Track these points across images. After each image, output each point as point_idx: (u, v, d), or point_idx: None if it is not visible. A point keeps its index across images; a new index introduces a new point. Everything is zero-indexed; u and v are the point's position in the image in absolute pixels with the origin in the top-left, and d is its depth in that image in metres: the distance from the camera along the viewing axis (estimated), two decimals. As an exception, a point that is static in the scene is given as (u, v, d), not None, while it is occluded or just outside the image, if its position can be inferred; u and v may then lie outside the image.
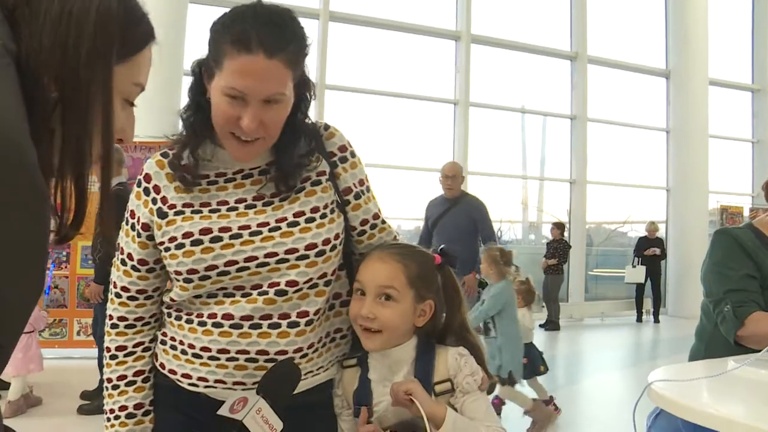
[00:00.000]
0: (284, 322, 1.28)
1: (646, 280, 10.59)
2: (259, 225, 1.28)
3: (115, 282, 1.38)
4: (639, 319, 10.70)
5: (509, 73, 11.09)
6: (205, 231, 1.27)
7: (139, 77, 0.87)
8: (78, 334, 6.16)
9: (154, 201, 1.33)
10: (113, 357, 1.37)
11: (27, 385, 4.57)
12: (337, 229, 1.33)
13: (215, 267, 1.25)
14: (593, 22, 11.31)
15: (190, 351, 1.31)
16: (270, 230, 1.28)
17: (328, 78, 9.50)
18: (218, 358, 1.28)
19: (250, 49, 1.16)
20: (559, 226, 9.99)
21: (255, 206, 1.31)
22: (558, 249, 9.66)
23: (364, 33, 10.11)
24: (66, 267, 6.15)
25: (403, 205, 10.87)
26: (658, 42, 12.12)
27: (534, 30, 11.06)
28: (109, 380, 1.37)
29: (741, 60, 13.00)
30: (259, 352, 1.27)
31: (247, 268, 1.26)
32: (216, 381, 1.29)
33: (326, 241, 1.30)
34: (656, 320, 10.65)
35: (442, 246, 1.43)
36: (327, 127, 1.41)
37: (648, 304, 10.83)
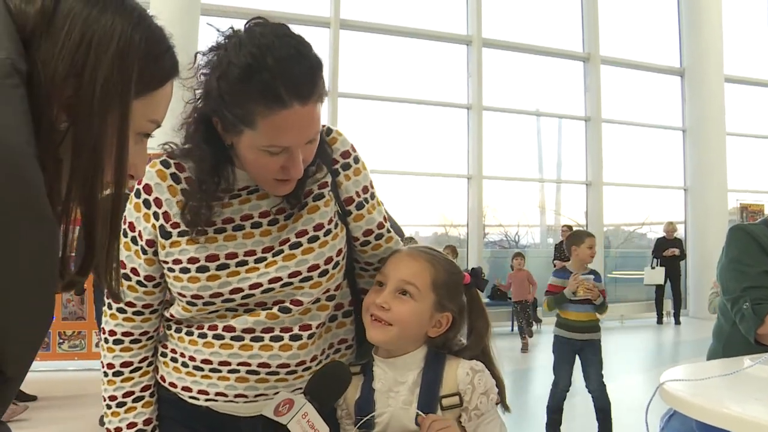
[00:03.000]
0: (286, 335, 1.25)
1: (665, 282, 10.45)
2: (263, 250, 1.24)
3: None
4: (659, 321, 10.55)
5: (522, 76, 11.06)
6: (211, 258, 1.22)
7: (155, 114, 0.82)
8: (97, 345, 6.20)
9: (156, 216, 1.25)
10: (118, 373, 1.31)
11: None
12: (340, 244, 1.29)
13: (220, 294, 1.22)
14: (605, 23, 11.24)
15: (191, 363, 1.28)
16: (274, 254, 1.24)
17: (340, 86, 9.52)
18: (220, 371, 1.25)
19: (284, 104, 1.08)
20: (569, 229, 9.89)
21: (261, 225, 1.25)
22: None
23: (375, 40, 10.14)
24: (84, 279, 6.19)
25: (420, 212, 10.87)
26: (671, 40, 12.02)
27: (545, 32, 11.02)
28: (113, 398, 1.31)
29: (757, 55, 12.84)
30: (260, 365, 1.24)
31: (252, 294, 1.23)
32: (217, 393, 1.26)
33: (328, 260, 1.26)
34: (677, 322, 10.50)
35: (474, 267, 1.38)
36: (329, 131, 1.32)
37: (668, 305, 10.69)
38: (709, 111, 11.48)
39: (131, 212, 1.27)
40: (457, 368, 1.26)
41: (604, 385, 4.19)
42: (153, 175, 1.26)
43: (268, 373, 1.24)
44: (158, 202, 1.25)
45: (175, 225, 1.24)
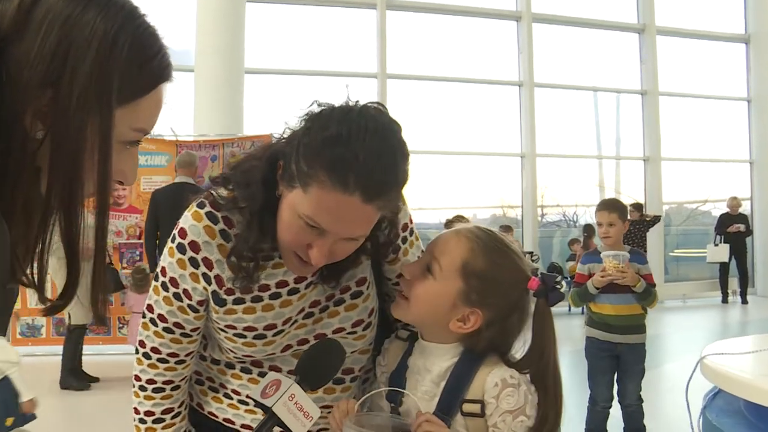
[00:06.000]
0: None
1: (730, 259, 10.04)
2: (311, 305, 1.21)
3: (157, 348, 1.22)
4: (725, 300, 10.16)
5: (577, 50, 10.73)
6: (269, 327, 1.18)
7: (140, 123, 0.76)
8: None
9: (207, 278, 1.16)
10: (159, 390, 1.24)
11: None
12: (376, 296, 1.27)
13: (273, 354, 1.22)
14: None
15: (235, 397, 1.26)
16: (320, 310, 1.22)
17: (389, 67, 9.45)
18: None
19: (346, 188, 0.98)
20: (637, 207, 9.55)
21: (312, 282, 1.20)
22: (637, 230, 9.22)
23: (422, 19, 10.00)
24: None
25: (478, 193, 10.73)
26: (735, 5, 11.43)
27: (598, 4, 10.65)
28: (150, 413, 1.24)
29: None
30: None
31: (299, 350, 1.23)
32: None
33: (371, 312, 1.25)
34: (744, 301, 10.07)
35: (545, 272, 1.17)
36: None
37: (734, 284, 10.27)
38: (776, 79, 10.90)
39: (174, 267, 1.16)
40: (488, 375, 1.10)
41: (642, 401, 3.39)
42: (201, 232, 1.14)
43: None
44: (208, 264, 1.15)
45: (230, 291, 1.16)
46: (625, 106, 11.19)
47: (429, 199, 10.01)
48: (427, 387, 1.14)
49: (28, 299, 6.16)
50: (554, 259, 10.13)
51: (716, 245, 10.11)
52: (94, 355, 5.81)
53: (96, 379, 5.25)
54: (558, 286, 1.13)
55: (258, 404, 1.04)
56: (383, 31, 9.46)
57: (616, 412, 3.48)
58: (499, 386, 1.08)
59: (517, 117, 10.23)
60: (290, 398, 1.01)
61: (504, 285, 1.12)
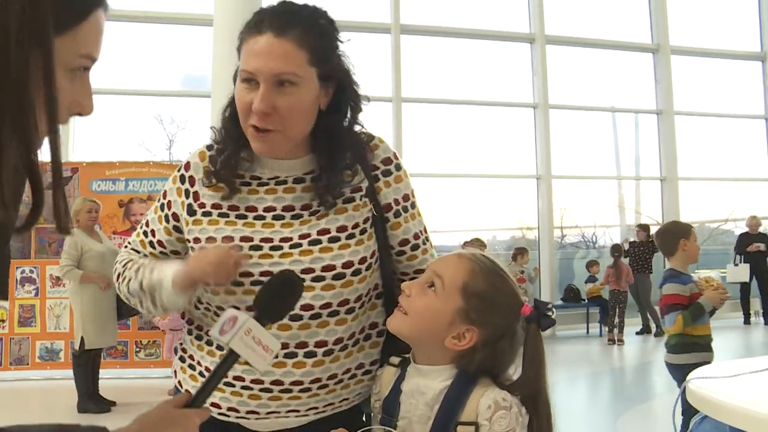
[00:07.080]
0: (301, 352, 1.23)
1: (751, 279, 9.87)
2: (282, 240, 1.24)
3: (129, 242, 1.42)
4: (747, 321, 9.97)
5: (592, 71, 10.75)
6: (226, 239, 1.24)
7: (84, 48, 0.77)
8: (170, 352, 6.41)
9: (187, 193, 1.32)
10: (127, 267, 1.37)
11: None
12: (365, 252, 1.26)
13: (250, 274, 1.22)
14: (674, 10, 10.76)
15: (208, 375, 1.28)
16: (291, 246, 1.23)
17: (404, 91, 9.52)
18: (233, 385, 1.23)
19: (260, 30, 1.19)
20: (644, 228, 9.49)
21: (283, 218, 1.26)
22: (643, 252, 9.19)
23: (436, 43, 10.09)
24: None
25: (496, 216, 10.71)
26: (750, 23, 11.39)
27: (611, 25, 10.67)
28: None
29: None
30: (273, 382, 1.22)
31: (260, 282, 1.21)
32: (229, 409, 1.25)
33: (348, 264, 1.24)
34: (767, 322, 9.89)
35: (539, 299, 1.20)
36: (371, 137, 1.33)
37: (756, 304, 10.09)
38: (794, 96, 10.82)
39: (169, 182, 1.36)
40: (482, 396, 1.12)
41: None
42: (195, 155, 1.35)
43: (281, 391, 1.23)
44: (192, 180, 1.32)
45: (202, 205, 1.30)
46: (642, 126, 11.15)
47: (446, 221, 10.03)
48: (421, 410, 1.15)
49: (47, 323, 6.28)
50: (573, 281, 10.03)
51: (736, 265, 9.95)
52: (111, 379, 5.87)
53: (113, 403, 5.29)
54: (549, 313, 1.16)
55: (218, 343, 1.05)
56: (398, 55, 9.54)
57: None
58: (492, 408, 1.10)
59: (532, 139, 10.25)
60: (247, 333, 1.00)
61: (501, 307, 1.16)
